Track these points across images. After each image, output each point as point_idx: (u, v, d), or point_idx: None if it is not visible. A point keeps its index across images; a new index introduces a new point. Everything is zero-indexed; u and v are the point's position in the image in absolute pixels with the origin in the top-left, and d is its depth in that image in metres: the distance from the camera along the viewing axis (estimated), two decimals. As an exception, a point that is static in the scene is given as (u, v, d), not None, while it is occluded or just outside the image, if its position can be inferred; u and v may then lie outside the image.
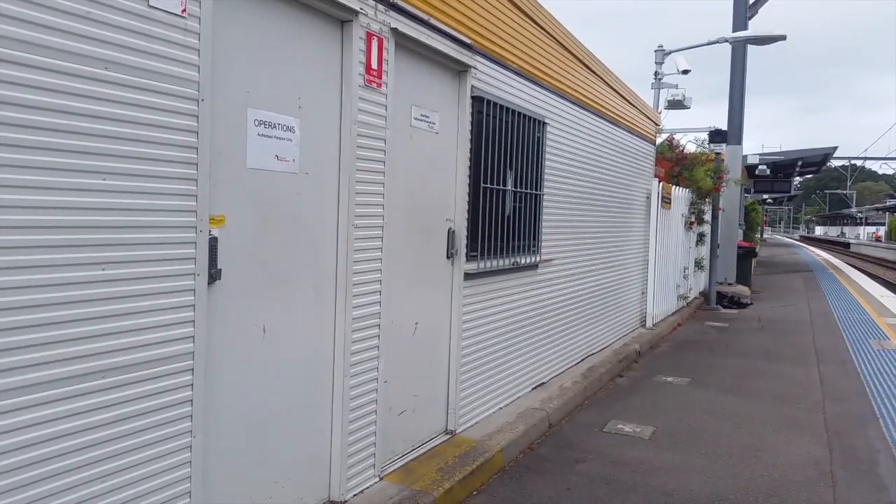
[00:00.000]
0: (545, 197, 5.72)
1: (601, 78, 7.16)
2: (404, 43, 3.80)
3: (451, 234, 4.42)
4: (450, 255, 4.43)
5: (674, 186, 10.51)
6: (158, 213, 2.40)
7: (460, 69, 4.40)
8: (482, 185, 4.66)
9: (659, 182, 9.44)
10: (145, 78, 2.32)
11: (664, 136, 11.97)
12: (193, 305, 2.54)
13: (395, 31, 3.64)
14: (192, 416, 2.56)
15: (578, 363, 6.82)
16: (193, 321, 2.54)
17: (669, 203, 9.94)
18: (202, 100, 2.53)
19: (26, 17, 1.98)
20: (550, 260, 5.98)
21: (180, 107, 2.45)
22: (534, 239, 5.58)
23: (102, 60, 2.19)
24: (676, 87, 16.85)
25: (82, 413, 2.20)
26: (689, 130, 16.12)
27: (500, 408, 5.15)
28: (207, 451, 2.67)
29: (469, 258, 4.56)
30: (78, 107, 2.13)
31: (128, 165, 2.28)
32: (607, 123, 7.44)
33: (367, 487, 3.62)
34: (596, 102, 7.02)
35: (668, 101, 16.94)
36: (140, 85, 2.30)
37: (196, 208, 2.53)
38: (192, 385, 2.55)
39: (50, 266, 2.09)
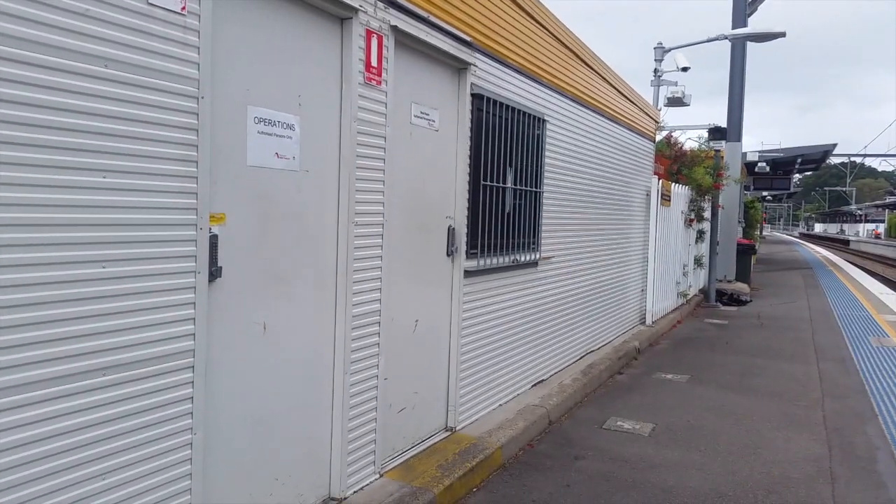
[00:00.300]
0: (545, 194, 5.72)
1: (601, 75, 7.15)
2: (404, 40, 3.80)
3: (451, 232, 4.42)
4: (450, 253, 4.43)
5: (673, 184, 10.51)
6: (159, 211, 2.40)
7: (460, 66, 4.39)
8: (482, 182, 4.66)
9: (658, 179, 9.43)
10: (145, 75, 2.32)
11: (665, 133, 11.96)
12: (194, 303, 2.54)
13: (394, 28, 3.64)
14: (192, 413, 2.56)
15: (578, 360, 6.83)
16: (194, 319, 2.55)
17: (669, 200, 9.94)
18: (202, 97, 2.53)
19: (25, 15, 1.98)
20: (550, 257, 5.98)
21: (180, 104, 2.45)
22: (533, 236, 5.58)
23: (102, 58, 2.19)
24: (676, 84, 16.83)
25: (82, 410, 2.20)
26: (689, 127, 16.11)
27: (500, 405, 5.15)
28: (208, 448, 2.68)
29: (469, 256, 4.57)
30: (77, 104, 2.13)
31: (128, 163, 2.28)
32: (607, 120, 7.43)
33: (368, 484, 3.63)
34: (595, 99, 7.02)
35: (668, 98, 16.91)
36: (140, 82, 2.30)
37: (196, 206, 2.54)
38: (192, 382, 2.55)
39: (50, 263, 2.09)
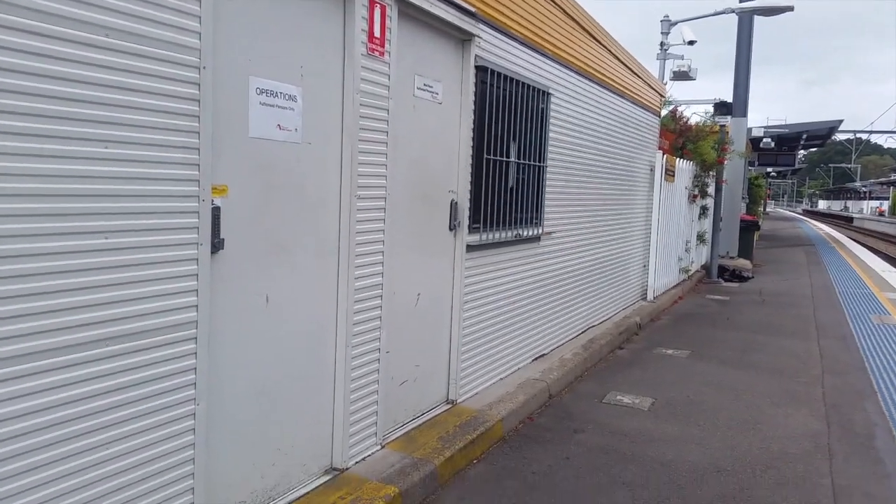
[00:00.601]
0: (548, 169, 5.70)
1: (606, 48, 7.07)
2: (407, 11, 3.75)
3: (453, 206, 4.41)
4: (452, 227, 4.42)
5: (678, 159, 10.45)
6: (161, 182, 2.39)
7: (464, 38, 4.34)
8: (485, 156, 4.63)
9: (663, 154, 9.38)
10: (146, 45, 2.30)
11: (670, 107, 11.86)
12: (196, 275, 2.55)
13: (398, -2, 3.59)
14: (195, 384, 2.57)
15: (579, 335, 6.85)
16: (197, 290, 2.55)
17: (673, 176, 9.89)
18: (204, 67, 2.50)
19: (25, -18, 1.96)
20: (553, 232, 5.97)
21: (182, 74, 2.43)
22: (536, 211, 5.56)
23: (103, 27, 2.16)
24: (682, 57, 16.66)
25: (84, 381, 2.21)
26: (695, 102, 16.00)
27: (501, 378, 5.18)
28: (211, 418, 2.70)
29: (471, 230, 4.56)
30: (78, 74, 2.11)
31: (129, 134, 2.27)
32: (612, 94, 7.37)
33: (369, 455, 3.66)
34: (601, 73, 6.95)
35: (674, 72, 16.76)
36: (141, 52, 2.28)
37: (198, 177, 2.52)
38: (195, 353, 2.57)
39: (52, 235, 2.09)
